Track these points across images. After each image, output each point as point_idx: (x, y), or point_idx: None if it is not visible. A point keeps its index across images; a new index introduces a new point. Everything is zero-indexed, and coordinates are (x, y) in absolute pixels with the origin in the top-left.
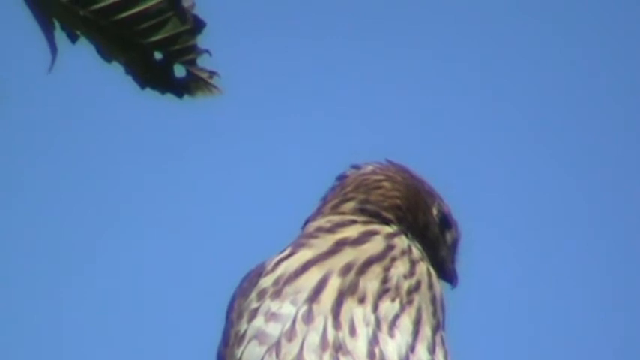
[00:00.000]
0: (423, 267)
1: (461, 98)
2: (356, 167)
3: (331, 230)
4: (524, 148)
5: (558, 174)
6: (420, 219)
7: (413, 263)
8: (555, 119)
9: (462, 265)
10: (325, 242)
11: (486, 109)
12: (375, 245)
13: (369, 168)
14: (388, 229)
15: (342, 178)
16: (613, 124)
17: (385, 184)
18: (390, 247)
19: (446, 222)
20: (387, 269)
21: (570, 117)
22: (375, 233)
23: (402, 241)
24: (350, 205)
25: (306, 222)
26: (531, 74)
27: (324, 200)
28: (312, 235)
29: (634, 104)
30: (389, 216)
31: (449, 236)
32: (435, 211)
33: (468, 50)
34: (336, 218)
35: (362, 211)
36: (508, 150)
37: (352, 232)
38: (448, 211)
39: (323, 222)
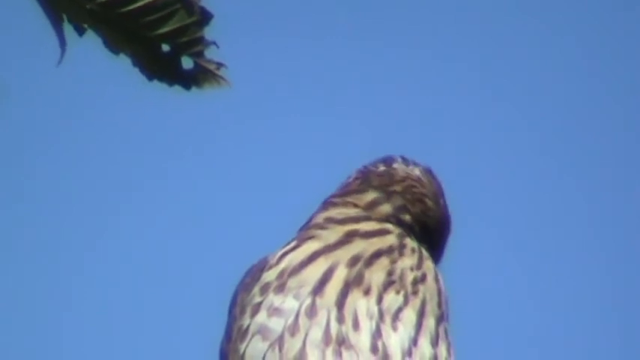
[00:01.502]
0: (430, 264)
1: (461, 98)
2: (405, 161)
3: (342, 222)
4: (524, 148)
5: (558, 174)
6: (436, 248)
7: (421, 259)
8: (555, 119)
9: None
10: (335, 234)
11: (486, 109)
12: (386, 240)
13: (417, 172)
14: (401, 230)
15: (388, 164)
16: (613, 124)
17: (428, 202)
18: (400, 244)
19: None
20: (394, 262)
21: (570, 117)
22: (387, 231)
23: (412, 242)
24: (386, 208)
25: (329, 199)
26: (531, 74)
27: (362, 179)
28: (321, 226)
29: (634, 104)
30: (418, 231)
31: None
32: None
33: (468, 50)
34: (352, 212)
35: (395, 217)
36: (508, 150)
37: (364, 226)
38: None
39: (335, 213)
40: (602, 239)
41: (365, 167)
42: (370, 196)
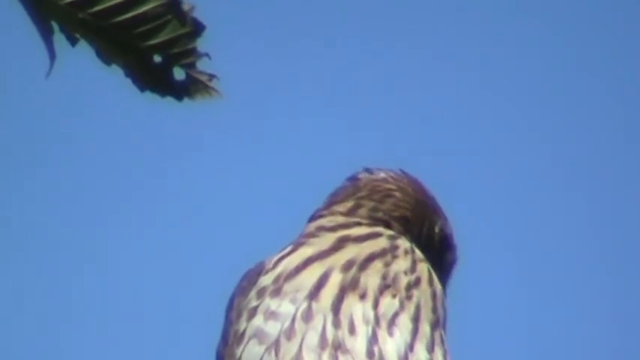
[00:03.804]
0: (423, 266)
1: (461, 98)
2: (369, 171)
3: (333, 229)
4: (524, 149)
5: (558, 174)
6: (423, 234)
7: (414, 262)
8: (555, 119)
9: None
10: (327, 240)
11: (486, 109)
12: (378, 243)
13: (382, 175)
14: (392, 232)
15: (354, 179)
16: (613, 125)
17: (397, 194)
18: (393, 246)
19: (446, 243)
20: (387, 265)
21: (570, 117)
22: (378, 234)
23: (405, 242)
24: (362, 212)
25: (313, 216)
26: (531, 74)
27: (334, 198)
28: (313, 234)
29: (634, 104)
30: (397, 225)
31: (446, 258)
32: (437, 229)
33: (468, 50)
34: (341, 219)
35: (372, 217)
36: (508, 150)
37: (355, 231)
38: (450, 232)
39: (325, 221)
40: (602, 239)
41: (334, 189)
42: (345, 206)
